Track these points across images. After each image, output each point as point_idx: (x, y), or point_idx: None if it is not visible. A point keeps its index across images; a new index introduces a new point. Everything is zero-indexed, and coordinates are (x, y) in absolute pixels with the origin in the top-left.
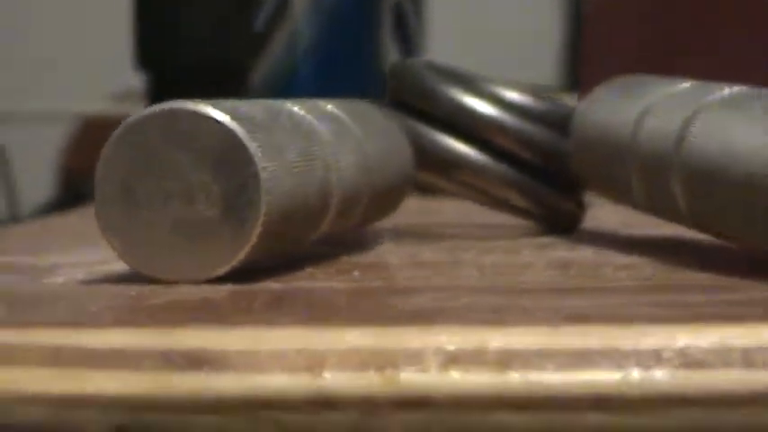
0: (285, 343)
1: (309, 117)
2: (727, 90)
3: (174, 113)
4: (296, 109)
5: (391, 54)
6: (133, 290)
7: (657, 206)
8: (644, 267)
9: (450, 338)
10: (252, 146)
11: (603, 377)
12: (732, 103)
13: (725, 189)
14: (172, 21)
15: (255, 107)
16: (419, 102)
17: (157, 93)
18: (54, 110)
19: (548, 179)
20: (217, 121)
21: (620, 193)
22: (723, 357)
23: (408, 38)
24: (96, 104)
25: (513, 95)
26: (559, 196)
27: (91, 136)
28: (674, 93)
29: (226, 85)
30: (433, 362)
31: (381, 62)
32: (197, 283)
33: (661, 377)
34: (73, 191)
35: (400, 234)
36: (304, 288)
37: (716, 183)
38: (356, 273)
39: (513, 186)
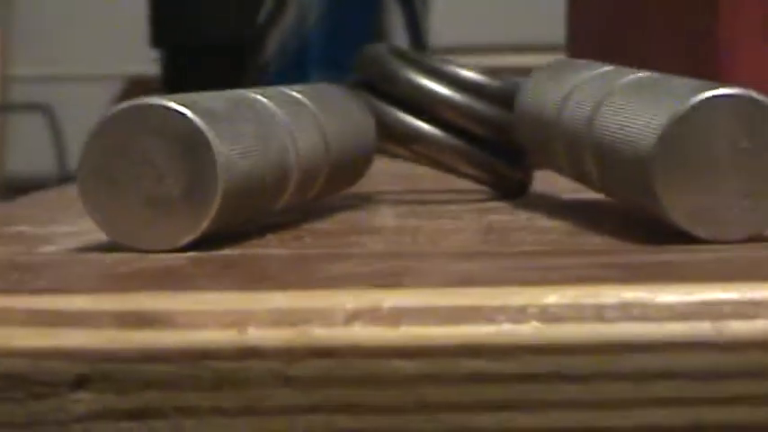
0: (219, 305)
1: (270, 104)
2: (635, 76)
3: (144, 108)
4: (258, 97)
5: (396, 21)
6: (109, 258)
7: (579, 176)
8: (554, 232)
9: (352, 299)
10: (210, 135)
11: (478, 330)
12: (633, 88)
13: (622, 165)
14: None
15: (218, 100)
16: (382, 84)
17: (171, 69)
18: (100, 72)
19: (496, 150)
20: (180, 113)
21: (553, 164)
22: (578, 313)
23: (413, 5)
24: (140, 66)
25: (465, 76)
26: (507, 165)
27: (136, 95)
28: (594, 77)
29: (236, 62)
30: (338, 319)
31: (387, 31)
32: (165, 251)
33: (525, 330)
34: None
35: (366, 200)
36: (254, 255)
37: (615, 159)
38: (308, 239)
39: (463, 156)
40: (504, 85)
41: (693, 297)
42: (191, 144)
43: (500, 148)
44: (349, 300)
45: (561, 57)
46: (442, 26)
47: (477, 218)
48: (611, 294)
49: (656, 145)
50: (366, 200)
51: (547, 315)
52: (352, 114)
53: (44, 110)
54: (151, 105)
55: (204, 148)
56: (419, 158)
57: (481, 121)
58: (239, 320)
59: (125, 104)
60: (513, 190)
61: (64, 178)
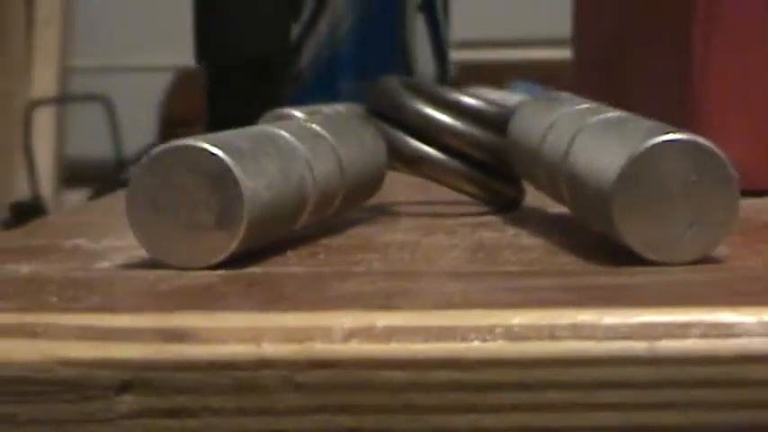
0: (239, 323)
1: (292, 138)
2: (606, 114)
3: (183, 148)
4: (281, 133)
5: (420, 33)
6: (151, 275)
7: (557, 199)
8: (535, 250)
9: (350, 320)
10: (237, 171)
11: (454, 347)
12: (603, 126)
13: (588, 196)
14: (225, 18)
15: (245, 138)
16: (393, 113)
17: (213, 83)
18: (153, 64)
19: (492, 170)
20: (212, 153)
21: (537, 185)
22: (536, 333)
23: (436, 16)
24: (188, 59)
25: (467, 104)
26: (501, 184)
27: (187, 86)
28: (572, 112)
29: (273, 74)
30: (338, 336)
31: (409, 41)
32: (199, 268)
33: (493, 347)
34: (171, 134)
35: (379, 212)
36: (274, 273)
37: (584, 190)
38: (322, 256)
39: (463, 177)
40: (501, 112)
41: (633, 320)
42: (221, 179)
43: (495, 168)
44: (348, 320)
45: (547, 92)
46: (459, 22)
47: (470, 234)
48: (565, 316)
49: (615, 182)
50: (379, 211)
51: (511, 334)
52: (366, 141)
53: (102, 100)
54: (188, 146)
55: (232, 183)
56: (423, 178)
57: (479, 145)
58: (256, 337)
59: (167, 145)
60: (506, 205)
61: (119, 164)
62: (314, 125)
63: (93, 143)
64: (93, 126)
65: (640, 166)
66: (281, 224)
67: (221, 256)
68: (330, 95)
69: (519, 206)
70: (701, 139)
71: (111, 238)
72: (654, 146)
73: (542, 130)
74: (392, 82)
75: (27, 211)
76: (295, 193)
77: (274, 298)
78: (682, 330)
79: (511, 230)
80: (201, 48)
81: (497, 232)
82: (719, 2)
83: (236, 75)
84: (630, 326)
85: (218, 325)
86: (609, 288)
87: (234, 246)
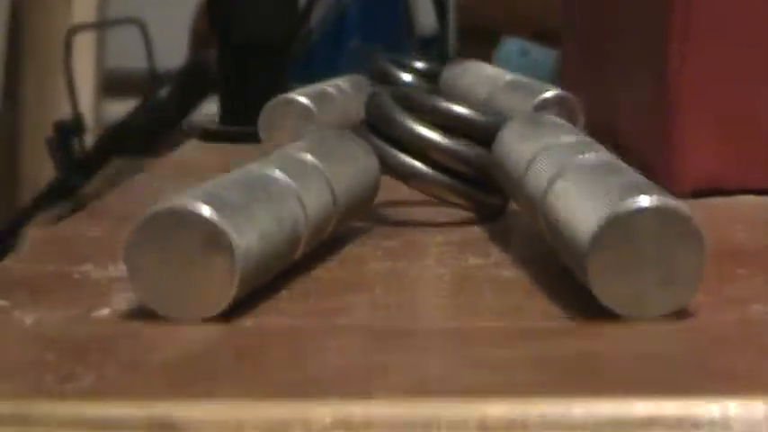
0: (223, 414)
1: (284, 177)
2: (586, 156)
3: (178, 210)
4: (272, 174)
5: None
6: (147, 334)
7: (539, 230)
8: (516, 290)
9: (329, 412)
10: (228, 229)
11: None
12: (581, 175)
13: (563, 244)
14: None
15: (237, 187)
16: (385, 129)
17: (226, 61)
18: None
19: (476, 182)
20: (204, 216)
21: (519, 205)
22: (509, 425)
23: None
24: None
25: (457, 113)
26: (485, 195)
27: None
28: (555, 146)
29: (279, 52)
30: (317, 428)
31: (414, 7)
32: (195, 321)
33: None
34: (201, 55)
35: (375, 221)
36: (264, 327)
37: (560, 233)
38: (312, 299)
39: (449, 189)
40: (491, 120)
41: (600, 412)
42: (214, 240)
43: (481, 180)
44: (327, 412)
45: (533, 113)
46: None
47: (456, 257)
48: (535, 407)
49: (590, 243)
50: (375, 220)
51: (484, 426)
52: (359, 159)
53: (137, 23)
54: (184, 209)
55: (225, 243)
56: (416, 189)
57: (464, 161)
58: (238, 427)
59: (164, 204)
60: (492, 214)
61: (154, 79)
62: (307, 154)
63: (129, 61)
64: (129, 46)
65: (614, 229)
66: (275, 267)
67: (216, 310)
68: (336, 54)
69: (503, 213)
70: (672, 202)
71: (118, 261)
72: (628, 209)
73: (524, 161)
74: (384, 96)
75: (69, 130)
76: (288, 233)
77: (259, 378)
78: (647, 425)
79: (494, 254)
80: (213, 18)
81: (481, 258)
82: (694, 17)
83: (244, 52)
84: (597, 419)
85: (203, 416)
86: (577, 360)
87: (228, 299)
